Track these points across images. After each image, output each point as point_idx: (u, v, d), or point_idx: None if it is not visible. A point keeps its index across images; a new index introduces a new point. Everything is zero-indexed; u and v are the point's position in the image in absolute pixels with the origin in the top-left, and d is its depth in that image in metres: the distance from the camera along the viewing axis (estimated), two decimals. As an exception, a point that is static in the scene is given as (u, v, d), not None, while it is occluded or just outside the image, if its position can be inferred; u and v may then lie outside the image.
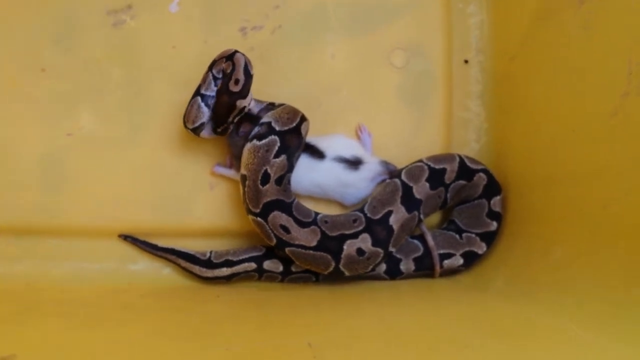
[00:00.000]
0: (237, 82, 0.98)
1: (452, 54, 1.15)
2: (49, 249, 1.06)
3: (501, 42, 1.12)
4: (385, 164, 1.08)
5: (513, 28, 1.08)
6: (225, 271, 1.05)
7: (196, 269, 1.05)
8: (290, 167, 1.01)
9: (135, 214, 1.08)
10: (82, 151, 1.07)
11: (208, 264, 1.05)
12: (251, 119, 1.02)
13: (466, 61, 1.15)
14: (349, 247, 0.98)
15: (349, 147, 1.07)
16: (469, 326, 0.81)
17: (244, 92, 0.98)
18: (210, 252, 1.07)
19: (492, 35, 1.14)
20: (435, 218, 1.13)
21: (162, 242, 1.07)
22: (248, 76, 0.99)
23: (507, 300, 0.90)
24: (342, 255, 0.98)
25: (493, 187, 1.07)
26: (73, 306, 0.91)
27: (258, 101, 1.04)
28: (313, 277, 1.06)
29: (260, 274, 1.06)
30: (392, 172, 1.07)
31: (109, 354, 0.72)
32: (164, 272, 1.08)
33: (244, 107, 0.99)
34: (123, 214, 1.07)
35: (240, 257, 1.05)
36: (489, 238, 1.06)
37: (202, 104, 1.00)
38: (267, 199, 0.98)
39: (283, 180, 0.99)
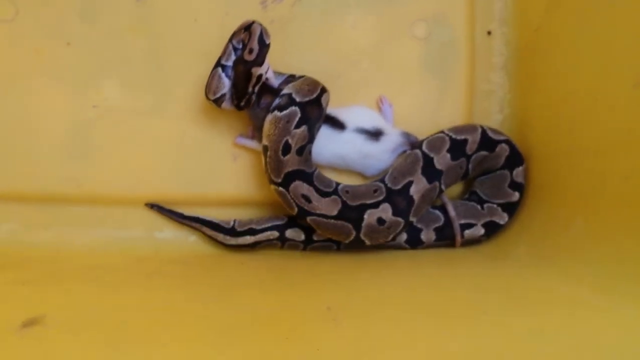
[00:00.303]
0: (251, 51, 0.99)
1: (475, 25, 1.14)
2: (77, 217, 1.09)
3: (525, 13, 1.11)
4: (407, 135, 1.08)
5: (537, -2, 1.07)
6: (248, 239, 1.07)
7: (220, 236, 1.08)
8: (311, 138, 1.02)
9: (161, 184, 1.10)
10: (108, 122, 1.09)
11: (232, 232, 1.08)
12: (272, 90, 1.03)
13: (489, 32, 1.14)
14: (370, 216, 0.99)
15: (370, 118, 1.07)
16: (487, 294, 0.83)
17: (259, 60, 0.99)
18: (234, 221, 1.09)
19: (515, 6, 1.13)
20: (456, 189, 1.13)
21: (187, 211, 1.10)
22: (263, 45, 1.00)
23: (526, 269, 0.91)
24: (363, 225, 0.99)
25: (515, 158, 1.07)
26: (100, 272, 0.95)
27: (278, 73, 1.05)
28: (334, 245, 1.08)
29: (283, 243, 1.08)
30: (414, 144, 1.08)
31: (136, 315, 0.75)
32: (190, 240, 1.11)
33: (261, 74, 1.00)
34: (149, 184, 1.10)
35: (263, 226, 1.07)
36: (511, 208, 1.07)
37: (223, 75, 1.01)
38: (289, 169, 0.99)
39: (304, 150, 1.00)
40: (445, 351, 0.67)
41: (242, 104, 1.01)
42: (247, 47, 0.99)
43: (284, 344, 0.69)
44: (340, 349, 0.68)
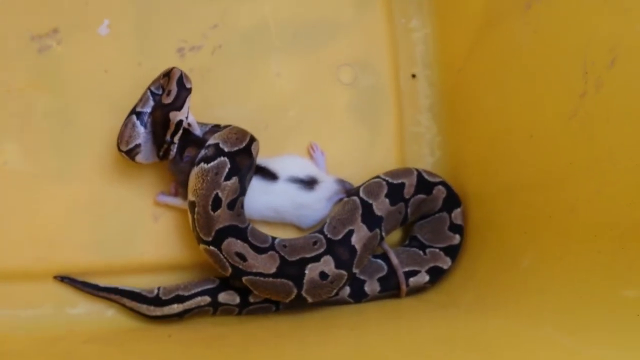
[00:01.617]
0: (169, 93, 0.91)
1: (399, 69, 1.13)
2: (-26, 296, 0.94)
3: (447, 54, 1.11)
4: (342, 182, 1.03)
5: (458, 39, 1.07)
6: (176, 308, 0.96)
7: (143, 307, 0.96)
8: (242, 190, 0.94)
9: (72, 253, 0.98)
10: (8, 188, 0.97)
11: (156, 301, 0.96)
12: (196, 142, 0.95)
13: (414, 75, 1.14)
14: (311, 271, 0.92)
15: (303, 167, 1.02)
16: (445, 343, 0.77)
17: (178, 104, 0.91)
18: (158, 289, 0.98)
19: (437, 49, 1.13)
20: (396, 235, 1.09)
21: (103, 282, 0.98)
22: (182, 88, 0.92)
23: (480, 314, 0.86)
24: (305, 281, 0.92)
25: (453, 200, 1.04)
26: (8, 357, 0.80)
27: (202, 124, 0.98)
28: (273, 306, 0.99)
29: (215, 308, 0.97)
30: (349, 191, 1.03)
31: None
32: (108, 314, 0.98)
33: (181, 120, 0.91)
34: (58, 254, 0.98)
35: (192, 291, 0.97)
36: (453, 252, 1.03)
37: (138, 123, 0.93)
38: (220, 225, 0.90)
39: (236, 204, 0.92)
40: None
41: (161, 154, 0.92)
42: (165, 90, 0.92)
43: None
44: None
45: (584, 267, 0.76)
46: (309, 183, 1.01)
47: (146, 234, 1.00)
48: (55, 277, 0.98)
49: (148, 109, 0.94)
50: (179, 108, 0.91)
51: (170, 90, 0.92)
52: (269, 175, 1.00)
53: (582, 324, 0.71)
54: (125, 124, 0.94)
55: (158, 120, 0.91)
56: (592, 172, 0.78)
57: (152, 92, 0.94)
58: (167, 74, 0.94)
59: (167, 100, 0.91)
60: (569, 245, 0.80)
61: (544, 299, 0.79)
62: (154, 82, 0.95)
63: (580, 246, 0.78)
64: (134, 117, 0.93)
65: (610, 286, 0.71)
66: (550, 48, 0.86)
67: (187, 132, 0.94)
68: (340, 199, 1.02)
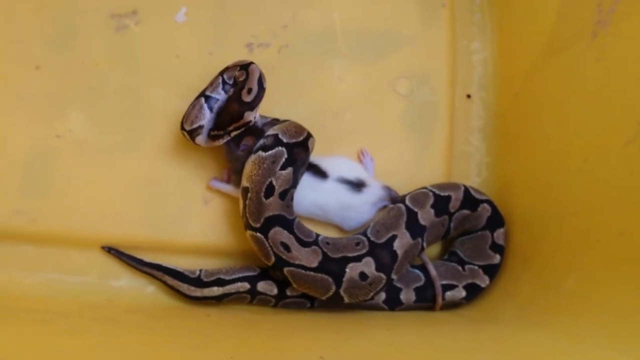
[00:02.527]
0: (249, 91, 0.94)
1: (456, 88, 1.15)
2: (24, 257, 0.97)
3: (505, 78, 1.13)
4: (388, 189, 1.05)
5: (518, 64, 1.09)
6: (216, 290, 0.98)
7: (184, 287, 0.98)
8: (294, 182, 0.96)
9: (122, 226, 1.01)
10: (71, 155, 1.01)
11: (198, 282, 0.98)
12: (255, 132, 0.98)
13: (469, 96, 1.15)
14: (352, 270, 0.93)
15: (353, 169, 1.04)
16: (483, 349, 0.77)
17: (254, 104, 0.94)
18: (200, 271, 1.00)
19: (495, 73, 1.15)
20: (434, 250, 1.09)
21: (148, 258, 1.00)
22: (261, 88, 0.96)
23: (518, 329, 0.86)
24: (344, 279, 0.93)
25: (497, 219, 1.05)
26: (51, 315, 0.83)
27: (262, 117, 1.01)
28: (308, 302, 1.00)
29: (253, 296, 0.99)
30: (394, 198, 1.04)
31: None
32: (148, 290, 1.00)
33: (249, 121, 0.95)
34: (108, 225, 1.00)
35: (233, 276, 0.99)
36: (492, 271, 1.03)
37: (205, 106, 0.96)
38: (270, 213, 0.93)
39: (287, 195, 0.95)
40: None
41: (213, 133, 0.94)
42: (246, 86, 0.94)
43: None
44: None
45: (629, 289, 0.76)
46: (357, 185, 1.02)
47: (195, 216, 1.02)
48: (103, 248, 1.00)
49: (217, 95, 0.97)
50: (253, 108, 0.94)
51: (252, 88, 0.94)
52: (319, 173, 1.02)
53: (626, 342, 0.70)
54: (193, 105, 0.97)
55: (232, 113, 0.93)
56: (646, 198, 0.78)
57: (223, 80, 0.97)
58: (244, 68, 0.97)
59: (247, 98, 0.94)
60: (614, 269, 0.80)
61: (587, 320, 0.79)
62: (227, 70, 0.98)
63: (627, 269, 0.78)
64: (203, 99, 0.97)
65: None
66: (613, 76, 0.87)
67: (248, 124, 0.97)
68: (385, 206, 1.04)
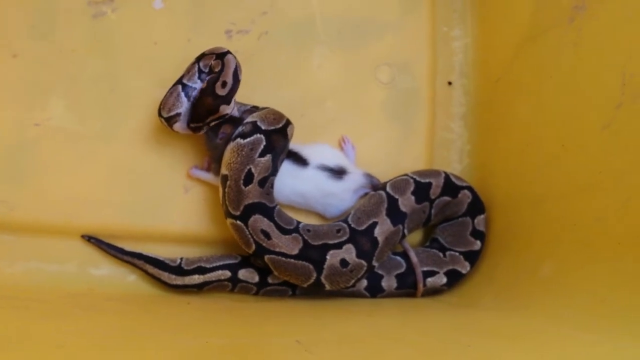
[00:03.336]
0: (224, 84, 0.94)
1: (437, 75, 1.15)
2: (3, 246, 0.97)
3: (486, 65, 1.13)
4: (369, 176, 1.05)
5: (498, 51, 1.10)
6: (196, 279, 0.98)
7: (165, 275, 0.98)
8: (274, 170, 0.96)
9: (102, 214, 1.00)
10: (50, 143, 1.00)
11: (178, 270, 0.98)
12: (233, 121, 0.97)
13: (450, 83, 1.16)
14: (332, 257, 0.93)
15: (334, 157, 1.04)
16: (464, 331, 0.78)
17: (229, 98, 0.94)
18: (181, 259, 0.99)
19: (476, 59, 1.15)
20: (416, 237, 1.10)
21: (128, 246, 1.00)
22: (236, 81, 0.95)
23: (498, 312, 0.87)
24: (325, 266, 0.93)
25: (477, 206, 1.05)
26: (29, 302, 0.82)
27: (241, 104, 1.00)
28: (290, 290, 1.00)
29: (234, 284, 0.99)
30: (376, 186, 1.04)
31: (73, 342, 0.64)
32: (129, 279, 1.00)
33: (226, 114, 0.95)
34: (88, 213, 1.00)
35: (214, 264, 0.98)
36: (473, 257, 1.04)
37: (182, 94, 0.96)
38: (249, 200, 0.92)
39: (266, 182, 0.95)
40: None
41: (192, 126, 0.94)
42: (221, 79, 0.94)
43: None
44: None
45: (606, 273, 0.77)
46: (338, 173, 1.02)
47: (175, 205, 1.02)
48: (83, 236, 1.00)
49: (193, 84, 0.96)
50: (229, 102, 0.94)
51: (226, 82, 0.94)
52: (300, 160, 1.01)
53: (602, 324, 0.71)
54: (170, 92, 0.96)
55: (208, 107, 0.93)
56: (622, 182, 0.79)
57: (199, 69, 0.97)
58: (220, 57, 0.96)
59: (222, 92, 0.93)
60: (591, 253, 0.81)
61: (563, 303, 0.80)
62: (203, 58, 0.97)
63: (602, 253, 0.79)
64: (180, 87, 0.96)
65: (633, 291, 0.71)
66: (590, 60, 0.87)
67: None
68: (366, 193, 1.04)
